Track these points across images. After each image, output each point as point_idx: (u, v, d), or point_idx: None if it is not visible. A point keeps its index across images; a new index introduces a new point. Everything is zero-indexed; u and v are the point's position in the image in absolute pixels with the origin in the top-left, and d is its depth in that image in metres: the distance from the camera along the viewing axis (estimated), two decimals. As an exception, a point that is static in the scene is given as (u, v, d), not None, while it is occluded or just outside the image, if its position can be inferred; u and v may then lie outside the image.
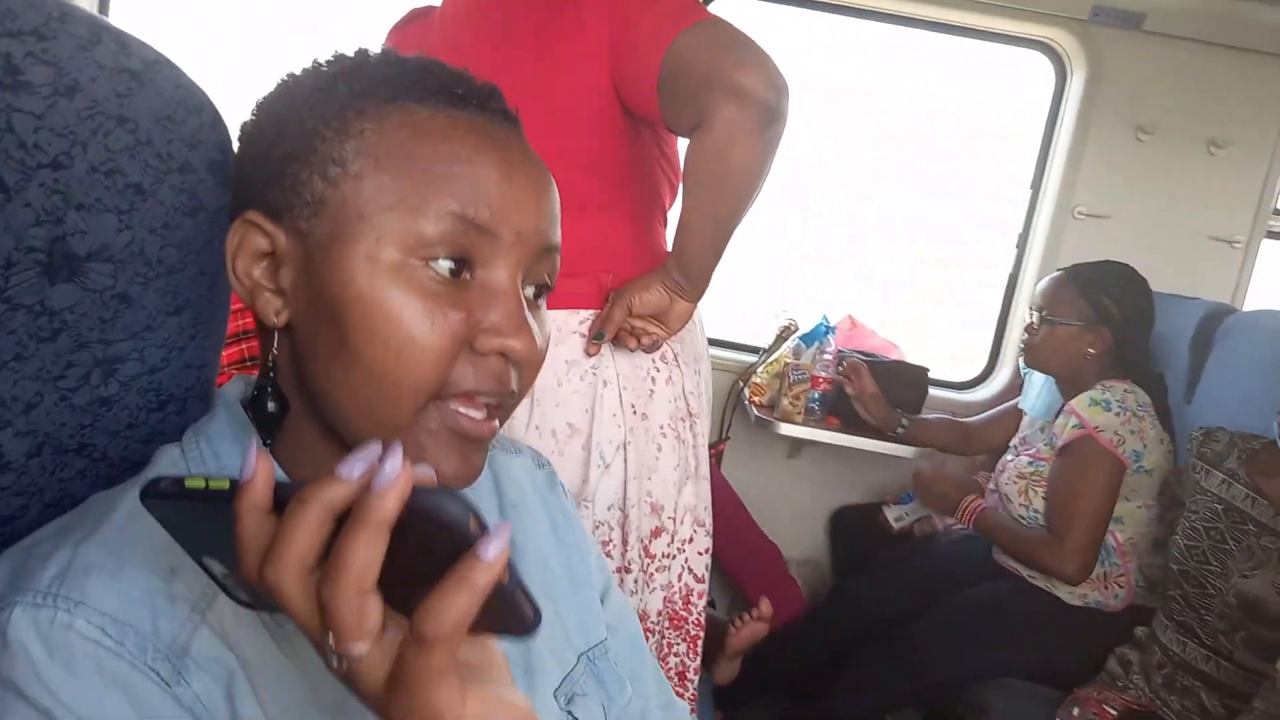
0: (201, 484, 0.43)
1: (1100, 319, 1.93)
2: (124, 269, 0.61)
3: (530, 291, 0.59)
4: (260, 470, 0.41)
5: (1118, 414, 1.84)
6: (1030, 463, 1.98)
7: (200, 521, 0.44)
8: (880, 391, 2.35)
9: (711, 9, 2.50)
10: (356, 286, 0.53)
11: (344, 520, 0.40)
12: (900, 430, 2.33)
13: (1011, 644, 1.87)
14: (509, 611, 0.42)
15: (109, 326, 0.62)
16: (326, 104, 0.56)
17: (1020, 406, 2.25)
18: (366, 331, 0.53)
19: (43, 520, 0.57)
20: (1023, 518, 1.98)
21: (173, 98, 0.63)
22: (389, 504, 0.39)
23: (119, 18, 2.56)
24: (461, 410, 0.55)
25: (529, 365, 0.58)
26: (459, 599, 0.39)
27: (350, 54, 0.60)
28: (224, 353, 0.90)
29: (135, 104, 0.60)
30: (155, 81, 0.62)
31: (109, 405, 0.64)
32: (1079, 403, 1.88)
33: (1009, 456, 2.11)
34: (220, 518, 0.42)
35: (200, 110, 0.65)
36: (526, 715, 0.44)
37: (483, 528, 0.40)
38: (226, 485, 0.42)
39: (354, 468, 0.40)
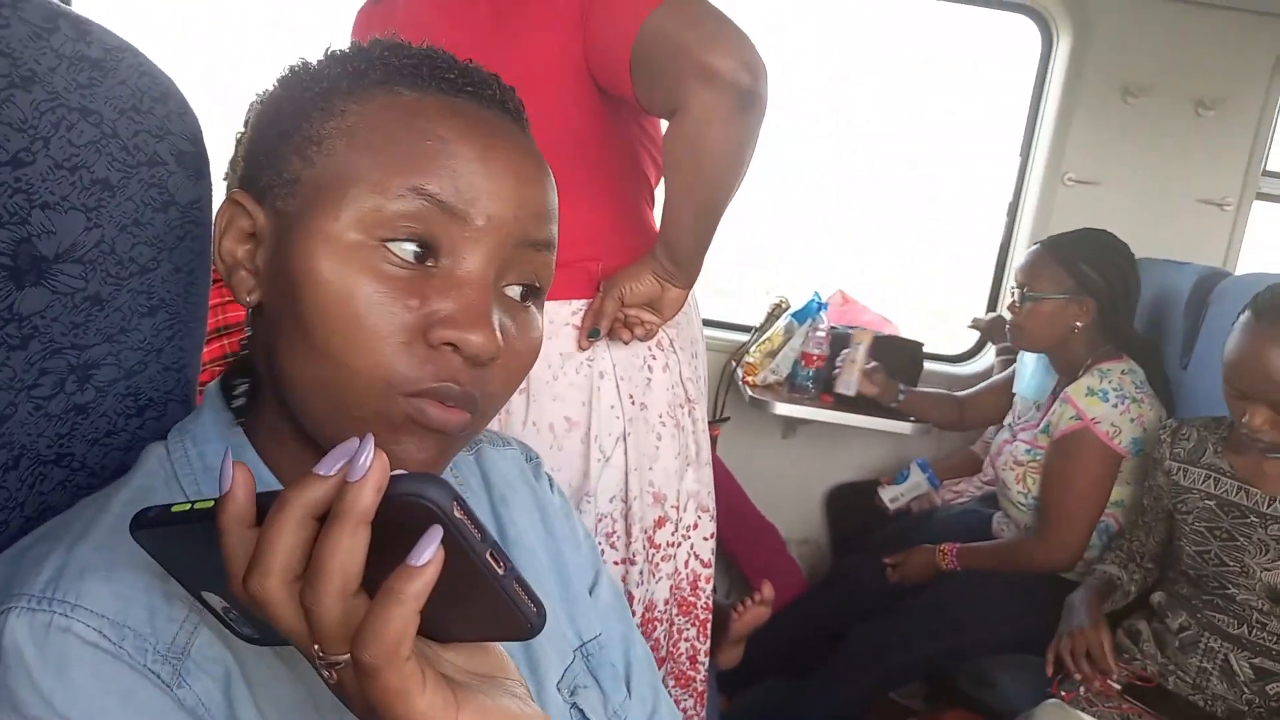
0: (187, 507, 0.41)
1: (1083, 289, 1.90)
2: (94, 269, 0.58)
3: (516, 291, 0.56)
4: (238, 481, 0.40)
5: (1115, 404, 1.82)
6: (1028, 450, 1.97)
7: (193, 548, 0.42)
8: (877, 363, 2.34)
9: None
10: (312, 263, 0.51)
11: None
12: (899, 399, 2.31)
13: (1012, 616, 1.86)
14: (510, 613, 0.40)
15: (82, 330, 0.59)
16: (318, 87, 0.55)
17: (1014, 390, 2.23)
18: (318, 311, 0.50)
19: (24, 535, 0.54)
20: (1021, 504, 1.98)
21: (137, 86, 0.60)
22: (365, 495, 0.37)
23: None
24: (425, 404, 0.52)
25: (505, 363, 0.54)
26: (391, 616, 0.37)
27: (350, 44, 0.58)
28: (204, 349, 0.88)
29: (98, 94, 0.57)
30: (118, 69, 0.59)
31: (86, 413, 0.62)
32: (1075, 392, 1.86)
33: (1004, 438, 2.10)
34: (211, 540, 0.40)
35: (166, 98, 0.62)
36: None
37: (466, 512, 0.38)
38: (211, 504, 0.40)
39: (331, 464, 0.39)
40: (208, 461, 0.57)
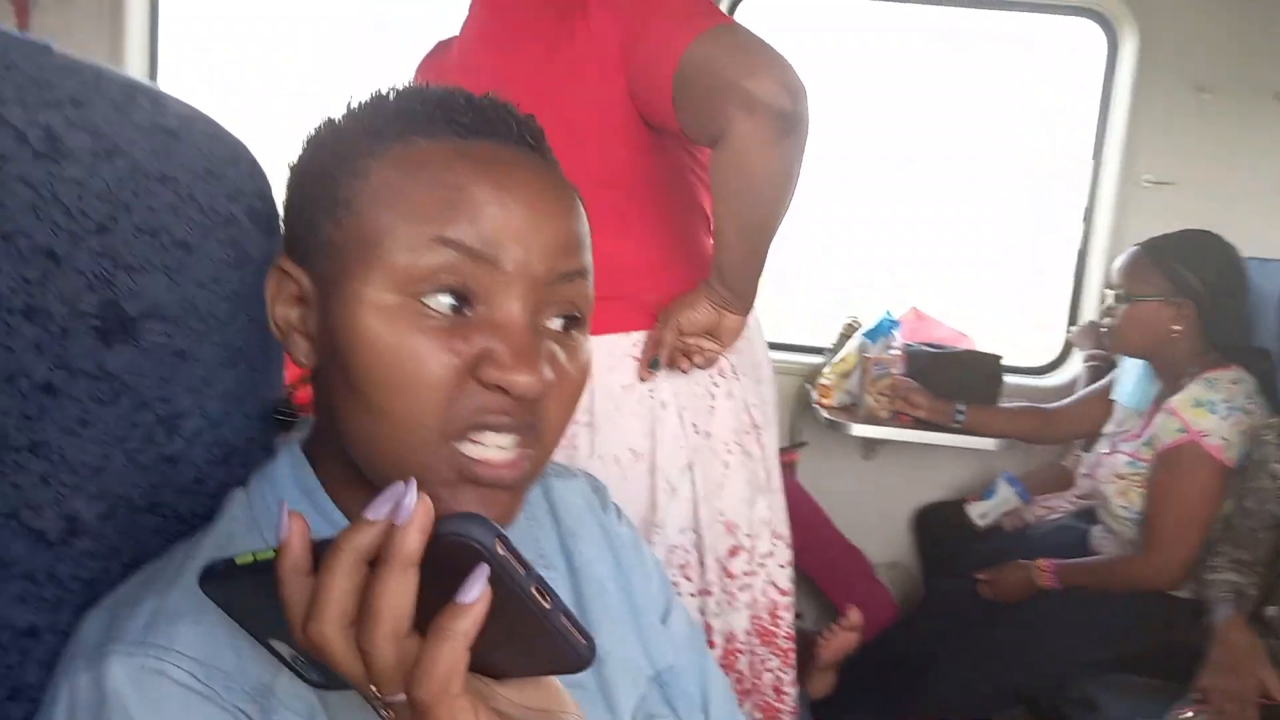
0: (250, 558, 0.43)
1: (1179, 291, 1.83)
2: (177, 326, 0.62)
3: (558, 324, 0.57)
4: (294, 531, 0.41)
5: (1225, 416, 1.74)
6: (1129, 463, 1.89)
7: (258, 597, 0.44)
8: (913, 381, 2.28)
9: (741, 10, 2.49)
10: (355, 327, 0.52)
11: None
12: (958, 420, 2.25)
13: (1114, 635, 1.79)
14: (559, 646, 0.40)
15: (168, 384, 0.62)
16: (340, 147, 0.56)
17: (1113, 396, 2.15)
18: (367, 372, 0.52)
19: (123, 580, 0.57)
20: (1123, 518, 1.90)
21: (210, 151, 0.64)
22: (411, 539, 0.38)
23: (166, 80, 2.64)
24: (474, 455, 0.53)
25: (558, 391, 0.55)
26: (441, 653, 0.38)
27: (371, 95, 0.59)
28: (300, 393, 0.91)
29: (174, 161, 0.61)
30: (192, 137, 0.62)
31: (175, 462, 0.65)
32: (1181, 403, 1.78)
33: (1104, 450, 2.02)
34: (274, 589, 0.42)
35: (237, 161, 0.66)
36: None
37: (510, 549, 0.39)
38: (271, 555, 0.42)
39: (379, 509, 0.40)
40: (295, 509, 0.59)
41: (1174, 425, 1.77)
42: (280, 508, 0.42)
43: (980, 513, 2.32)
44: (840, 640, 2.00)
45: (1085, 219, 2.60)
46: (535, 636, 0.40)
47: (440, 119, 0.55)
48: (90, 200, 0.54)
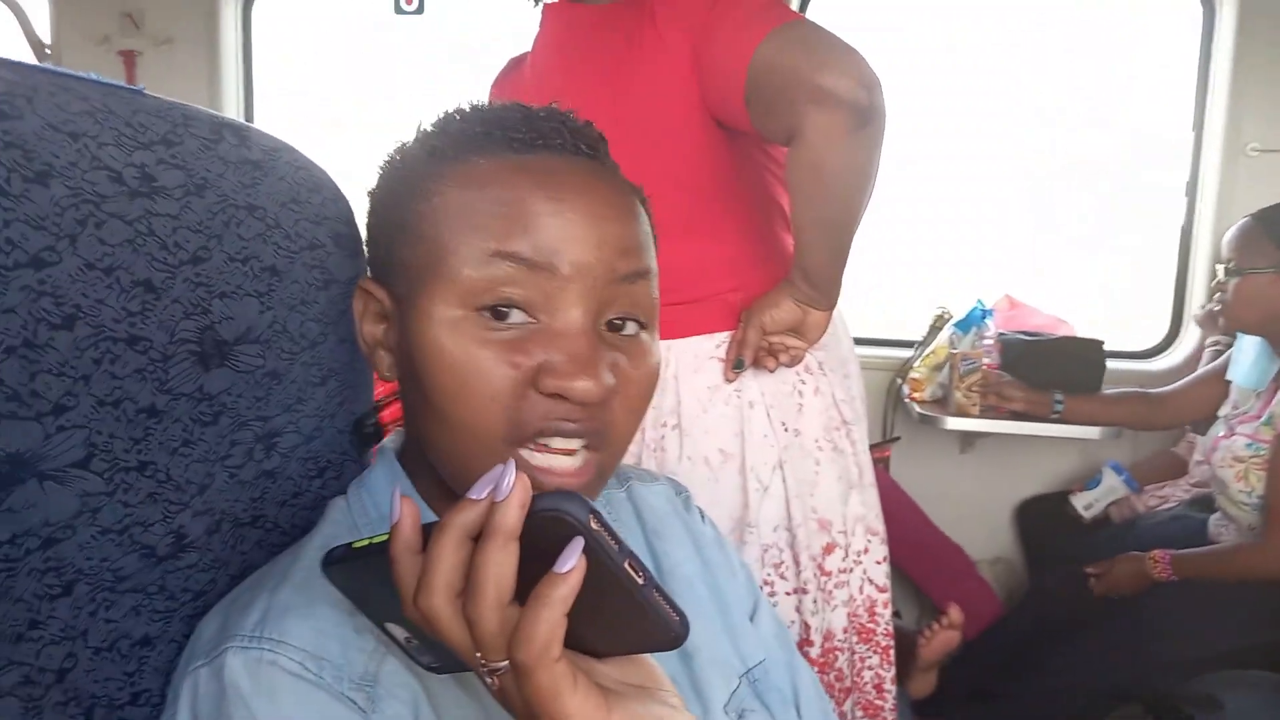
0: (366, 542, 0.46)
1: None
2: (270, 348, 0.65)
3: (624, 327, 0.58)
4: (405, 513, 0.45)
5: None
6: (1248, 444, 1.80)
7: (374, 580, 0.47)
8: (1004, 373, 2.19)
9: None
10: (425, 343, 0.55)
11: None
12: (1057, 410, 2.15)
13: (1237, 629, 1.70)
14: (653, 621, 0.42)
15: (263, 404, 0.65)
16: (408, 172, 0.60)
17: (1228, 377, 2.04)
18: (436, 385, 0.55)
19: (229, 592, 0.61)
20: (1243, 504, 1.81)
21: (294, 180, 0.67)
22: (510, 512, 0.41)
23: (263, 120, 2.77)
24: (541, 464, 0.55)
25: (624, 395, 0.56)
26: (540, 619, 0.40)
27: (435, 119, 0.62)
28: (386, 411, 0.95)
29: (260, 192, 0.64)
30: (276, 167, 0.65)
31: (274, 477, 0.68)
32: None
33: (1220, 433, 1.92)
34: (388, 571, 0.45)
35: (320, 188, 0.69)
36: None
37: (604, 525, 0.41)
38: (385, 538, 0.45)
39: (482, 489, 0.43)
40: (383, 510, 0.62)
41: None
42: (393, 493, 0.45)
43: (1085, 504, 2.23)
44: (941, 639, 1.95)
45: (1188, 192, 2.48)
46: (629, 612, 0.42)
47: (498, 137, 0.57)
48: (184, 233, 0.58)
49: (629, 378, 0.57)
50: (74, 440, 0.52)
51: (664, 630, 0.42)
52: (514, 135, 0.57)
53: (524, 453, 0.55)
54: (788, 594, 1.30)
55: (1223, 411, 1.99)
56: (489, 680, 0.44)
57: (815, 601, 1.30)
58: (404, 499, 0.45)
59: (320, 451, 0.72)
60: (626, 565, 0.41)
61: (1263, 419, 1.80)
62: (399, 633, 0.50)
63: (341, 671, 0.53)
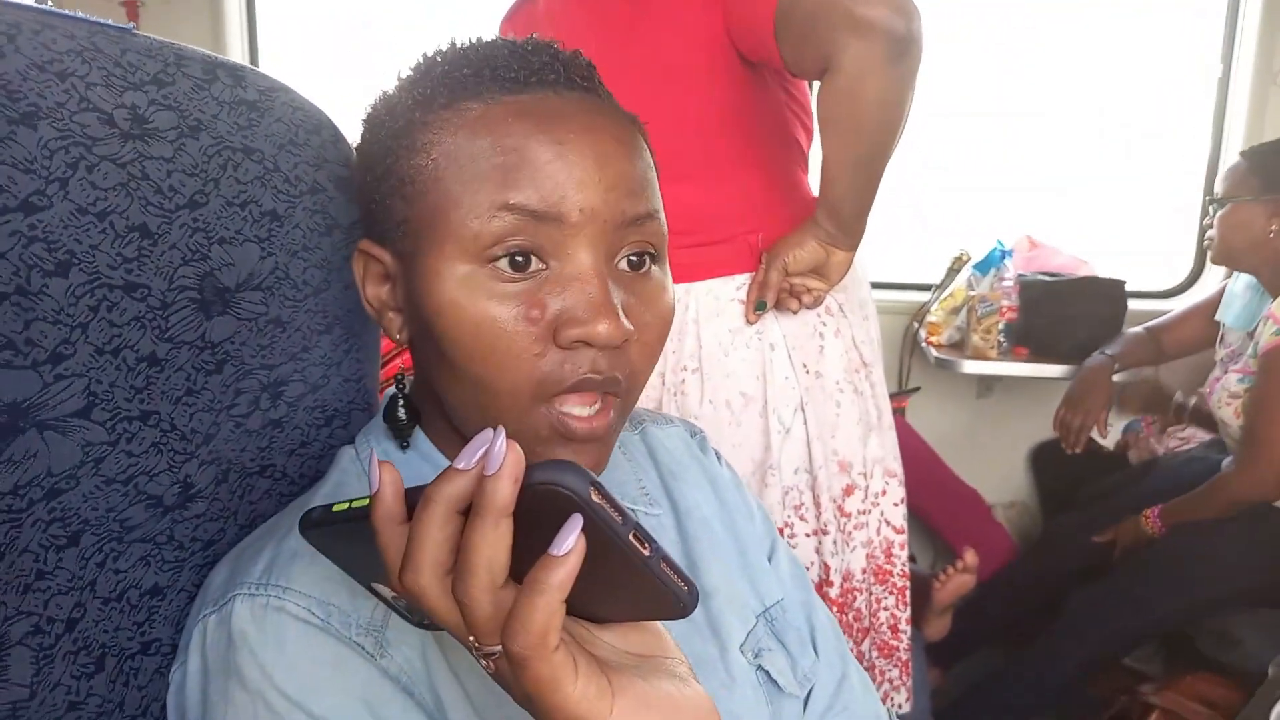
0: (345, 506, 0.43)
1: (1269, 188, 1.73)
2: (273, 295, 0.64)
3: (633, 263, 0.56)
4: (385, 481, 0.40)
5: None
6: (1241, 379, 1.79)
7: (357, 544, 0.44)
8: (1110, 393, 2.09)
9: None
10: (436, 300, 0.53)
11: None
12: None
13: (1253, 567, 1.69)
14: (660, 592, 0.39)
15: (268, 351, 0.64)
16: (395, 122, 0.56)
17: (1218, 318, 2.00)
18: (453, 342, 0.53)
19: (239, 541, 0.60)
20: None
21: (292, 121, 0.65)
22: (502, 488, 0.37)
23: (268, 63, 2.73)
24: (568, 411, 0.53)
25: (640, 337, 0.55)
26: (536, 606, 0.36)
27: (418, 62, 0.58)
28: (383, 370, 0.93)
29: (257, 133, 0.62)
30: (274, 108, 0.63)
31: (281, 426, 0.67)
32: None
33: (1216, 374, 1.91)
34: (372, 535, 0.42)
35: (320, 129, 0.67)
36: (697, 706, 0.42)
37: (605, 496, 0.37)
38: (367, 503, 0.41)
39: (469, 457, 0.39)
40: (391, 457, 0.62)
41: (1272, 328, 1.68)
42: (370, 459, 0.41)
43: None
44: (956, 582, 1.96)
45: (1215, 125, 2.41)
46: (635, 584, 0.39)
47: (488, 77, 0.54)
48: (179, 176, 0.56)
49: (643, 319, 0.55)
50: (73, 389, 0.51)
51: (671, 601, 0.40)
52: (505, 75, 0.54)
53: (548, 406, 0.53)
54: (807, 535, 1.30)
55: (1220, 355, 1.97)
56: (483, 663, 0.41)
57: (835, 543, 1.30)
58: (384, 465, 0.41)
59: (328, 400, 0.71)
60: (631, 537, 0.38)
61: (1250, 351, 1.79)
62: (386, 592, 0.47)
63: (349, 617, 0.53)
